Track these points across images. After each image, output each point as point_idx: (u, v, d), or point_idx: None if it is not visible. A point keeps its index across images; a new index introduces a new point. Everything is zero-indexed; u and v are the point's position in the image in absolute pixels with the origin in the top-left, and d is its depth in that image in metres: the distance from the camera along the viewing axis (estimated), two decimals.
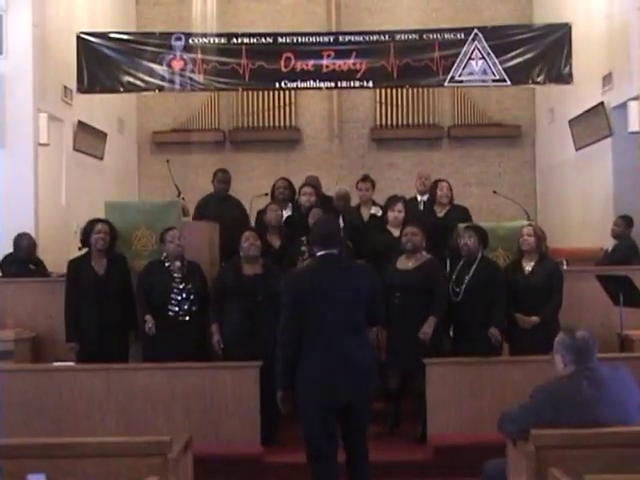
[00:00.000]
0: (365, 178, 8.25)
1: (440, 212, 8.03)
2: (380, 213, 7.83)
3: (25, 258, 8.36)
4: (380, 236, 7.34)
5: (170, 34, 10.08)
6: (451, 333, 6.73)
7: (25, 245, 8.36)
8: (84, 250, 7.04)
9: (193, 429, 5.20)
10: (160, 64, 9.76)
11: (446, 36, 9.90)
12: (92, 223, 6.96)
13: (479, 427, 5.95)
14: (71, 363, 6.64)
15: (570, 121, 11.82)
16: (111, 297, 6.80)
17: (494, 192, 10.32)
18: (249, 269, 6.61)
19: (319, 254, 4.95)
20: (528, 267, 6.71)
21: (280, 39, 9.96)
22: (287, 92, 13.45)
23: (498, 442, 4.49)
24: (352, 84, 10.05)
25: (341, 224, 7.68)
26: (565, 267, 7.75)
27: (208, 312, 6.69)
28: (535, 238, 6.69)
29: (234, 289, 6.53)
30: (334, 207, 8.05)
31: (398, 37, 9.95)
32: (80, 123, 11.05)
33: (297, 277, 5.12)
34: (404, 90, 13.48)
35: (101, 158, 11.95)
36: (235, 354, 6.41)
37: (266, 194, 8.32)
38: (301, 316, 4.76)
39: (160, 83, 9.86)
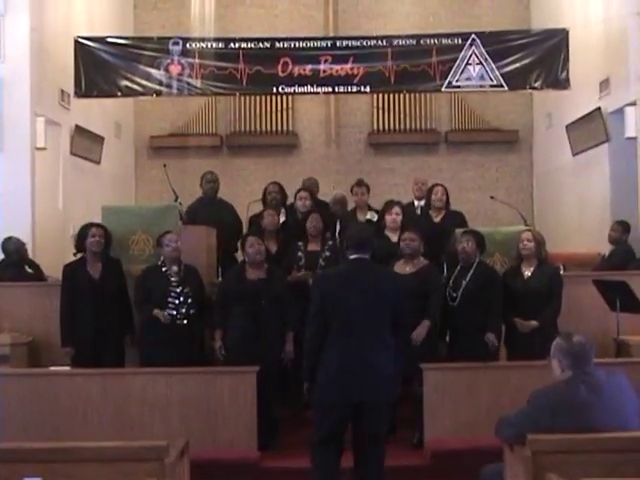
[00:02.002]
0: (360, 182, 8.25)
1: (436, 217, 8.01)
2: (376, 218, 7.82)
3: (18, 261, 8.38)
4: (377, 241, 7.31)
5: (168, 39, 10.11)
6: (447, 338, 6.72)
7: (13, 248, 8.40)
8: (80, 255, 7.02)
9: (190, 434, 5.17)
10: (158, 69, 9.79)
11: (444, 41, 9.93)
12: (86, 227, 6.95)
13: (476, 432, 5.92)
14: (67, 367, 6.62)
15: (567, 126, 11.83)
16: (107, 301, 6.78)
17: (491, 197, 10.33)
18: (253, 274, 6.60)
19: (351, 257, 5.17)
20: (527, 272, 6.70)
21: (278, 44, 9.98)
22: (284, 97, 13.48)
23: (495, 447, 4.48)
24: (349, 89, 10.08)
25: (337, 229, 7.72)
26: (562, 272, 7.75)
27: (206, 316, 6.69)
28: (534, 243, 6.69)
29: (238, 294, 6.52)
30: (331, 212, 8.05)
31: (395, 42, 9.98)
32: (77, 127, 11.04)
33: (326, 277, 5.43)
34: (401, 95, 13.49)
35: (98, 162, 11.95)
36: (238, 359, 6.37)
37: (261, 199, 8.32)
38: (326, 314, 5.00)
39: (157, 87, 9.88)
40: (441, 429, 6.15)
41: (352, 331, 4.95)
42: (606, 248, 9.23)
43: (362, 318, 4.95)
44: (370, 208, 8.15)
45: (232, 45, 9.95)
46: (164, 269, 6.71)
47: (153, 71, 9.78)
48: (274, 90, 10.11)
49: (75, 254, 7.07)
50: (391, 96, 13.68)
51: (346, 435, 5.21)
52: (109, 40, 10.03)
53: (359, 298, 4.97)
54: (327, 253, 7.07)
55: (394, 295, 5.09)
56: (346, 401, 4.96)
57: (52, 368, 6.58)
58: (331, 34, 13.17)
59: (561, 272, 7.27)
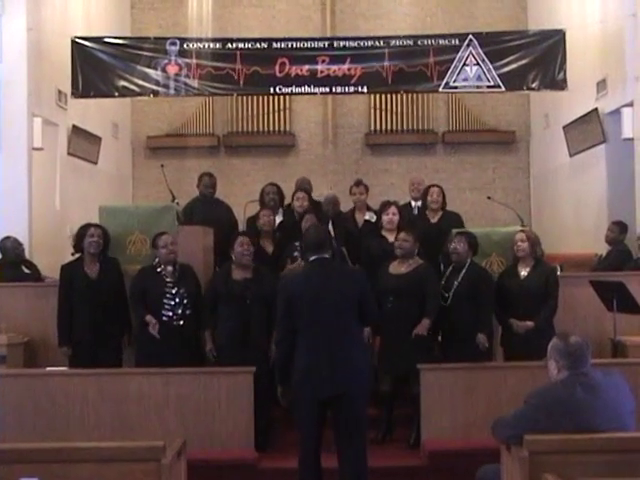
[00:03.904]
0: (358, 183, 8.24)
1: (433, 218, 8.01)
2: (374, 219, 7.82)
3: (15, 260, 8.37)
4: (375, 241, 7.34)
5: (165, 39, 10.10)
6: (439, 338, 6.73)
7: (10, 247, 8.38)
8: (77, 255, 7.02)
9: (187, 434, 5.16)
10: (155, 69, 9.78)
11: (441, 42, 9.93)
12: (85, 227, 6.93)
13: (473, 432, 5.95)
14: (64, 368, 6.61)
15: (564, 127, 11.84)
16: (104, 301, 6.76)
17: (488, 198, 10.33)
18: (239, 274, 6.59)
19: (311, 259, 5.29)
20: (524, 272, 6.71)
21: (275, 44, 9.97)
22: (282, 97, 13.48)
23: (492, 447, 4.48)
24: (347, 89, 10.07)
25: (331, 229, 7.70)
26: (559, 273, 7.76)
27: (201, 317, 6.68)
28: (528, 243, 6.70)
29: (224, 294, 6.52)
30: (324, 212, 8.05)
31: (393, 43, 9.98)
32: (74, 127, 11.02)
33: (289, 280, 5.50)
34: (399, 96, 13.50)
35: (95, 163, 11.94)
36: (227, 359, 6.38)
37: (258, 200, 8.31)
38: (293, 317, 5.12)
39: (155, 88, 9.87)
40: (438, 429, 6.14)
41: (319, 330, 5.07)
42: (603, 249, 9.24)
43: (327, 316, 5.07)
44: (369, 208, 8.14)
45: (229, 45, 9.94)
46: (159, 270, 6.69)
47: (150, 71, 9.77)
48: (271, 90, 10.09)
49: (73, 254, 7.06)
50: (388, 97, 13.68)
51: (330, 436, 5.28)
52: (106, 40, 10.02)
53: (322, 297, 5.10)
54: None
55: (357, 290, 5.18)
56: (318, 397, 5.06)
57: (49, 368, 6.55)
58: (328, 34, 13.16)
59: (558, 272, 7.27)
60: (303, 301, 5.11)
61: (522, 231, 7.03)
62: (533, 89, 10.10)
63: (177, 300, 6.59)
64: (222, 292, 6.53)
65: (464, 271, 6.61)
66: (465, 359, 6.31)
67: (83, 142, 11.40)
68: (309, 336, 5.09)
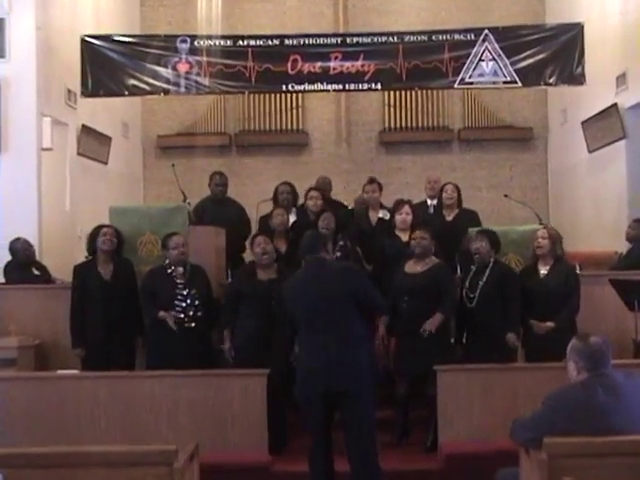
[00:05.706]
0: (371, 181, 8.15)
1: (449, 216, 7.95)
2: (388, 216, 7.74)
3: (24, 262, 8.34)
4: (388, 240, 7.27)
5: (175, 36, 10.06)
6: (464, 339, 6.63)
7: (20, 248, 8.37)
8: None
9: (199, 437, 5.08)
10: (165, 67, 9.73)
11: (456, 37, 9.84)
12: (97, 228, 6.95)
13: (491, 435, 5.83)
14: (75, 371, 6.57)
15: (583, 123, 11.70)
16: (117, 302, 6.74)
17: (505, 196, 10.22)
18: (263, 274, 6.57)
19: (307, 259, 5.55)
20: (543, 271, 6.63)
21: (287, 41, 9.91)
22: (294, 95, 13.40)
23: (510, 450, 4.43)
24: (360, 86, 9.99)
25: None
26: (579, 271, 7.64)
27: (216, 317, 6.64)
28: (550, 241, 6.62)
29: (249, 294, 6.49)
30: (355, 211, 8.06)
31: (407, 38, 9.90)
32: (84, 127, 10.97)
33: (289, 283, 5.66)
34: (413, 92, 13.36)
35: (105, 162, 11.89)
36: (248, 360, 6.32)
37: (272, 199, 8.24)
38: (294, 317, 5.43)
39: (165, 86, 9.82)
40: (455, 432, 6.06)
41: (318, 327, 5.22)
42: (623, 246, 9.12)
43: (323, 314, 5.22)
44: (382, 206, 8.05)
45: (240, 43, 9.88)
46: (169, 271, 6.65)
47: (160, 69, 9.72)
48: (283, 88, 10.03)
49: (87, 256, 7.01)
50: (403, 93, 13.57)
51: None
52: (115, 38, 9.97)
53: (317, 295, 5.27)
54: (338, 253, 6.96)
55: (352, 285, 5.32)
56: (317, 392, 5.18)
57: (59, 371, 6.54)
58: (341, 30, 13.11)
59: (577, 271, 7.15)
60: (301, 301, 5.32)
61: (544, 228, 6.94)
62: (551, 84, 9.98)
63: (188, 301, 6.54)
64: (247, 292, 6.51)
65: (488, 271, 6.53)
66: (491, 360, 6.21)
67: (93, 142, 11.35)
68: (308, 334, 5.29)
